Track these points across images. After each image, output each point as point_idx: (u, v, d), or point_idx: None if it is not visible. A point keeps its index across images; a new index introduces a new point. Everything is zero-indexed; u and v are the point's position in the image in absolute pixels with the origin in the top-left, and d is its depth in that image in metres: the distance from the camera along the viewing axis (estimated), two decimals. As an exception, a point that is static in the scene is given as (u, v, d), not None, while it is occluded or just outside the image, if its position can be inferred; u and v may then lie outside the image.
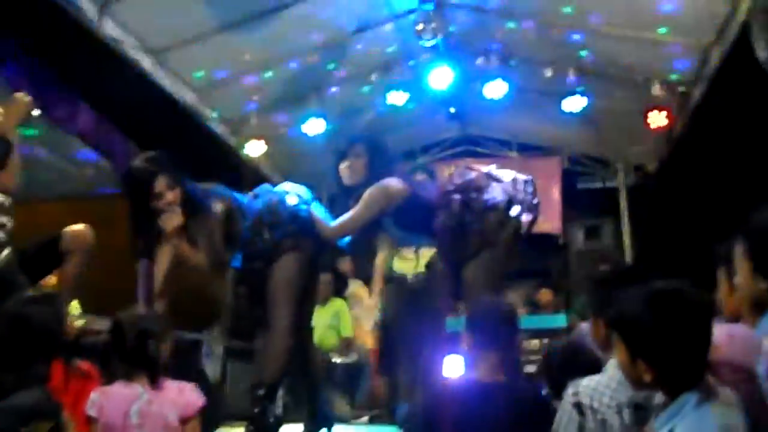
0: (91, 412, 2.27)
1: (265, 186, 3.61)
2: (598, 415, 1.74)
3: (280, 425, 3.32)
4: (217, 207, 3.27)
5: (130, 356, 2.36)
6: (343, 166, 3.40)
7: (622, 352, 1.61)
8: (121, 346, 2.38)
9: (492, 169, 3.47)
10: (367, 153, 3.38)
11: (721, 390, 1.56)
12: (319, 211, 3.43)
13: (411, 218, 3.36)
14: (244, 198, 3.47)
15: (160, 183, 3.11)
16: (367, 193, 3.28)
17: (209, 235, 3.19)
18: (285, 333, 3.27)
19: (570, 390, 1.85)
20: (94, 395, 2.32)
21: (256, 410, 3.21)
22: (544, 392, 2.61)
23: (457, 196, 3.28)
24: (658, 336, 1.52)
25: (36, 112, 3.15)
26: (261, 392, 3.23)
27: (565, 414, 1.85)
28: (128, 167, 3.28)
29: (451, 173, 3.51)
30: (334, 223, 3.34)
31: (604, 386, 1.82)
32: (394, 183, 3.33)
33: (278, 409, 3.28)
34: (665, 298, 1.56)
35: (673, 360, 1.52)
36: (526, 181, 3.37)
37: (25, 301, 2.45)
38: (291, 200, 3.40)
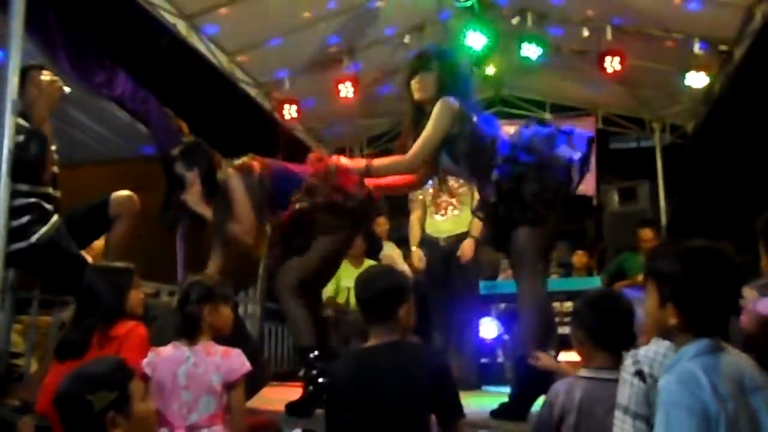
0: (147, 370, 2.38)
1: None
2: (657, 382, 1.76)
3: None
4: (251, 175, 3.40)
5: (191, 318, 2.46)
6: (414, 81, 3.20)
7: (654, 298, 1.72)
8: (185, 307, 2.47)
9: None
10: (437, 67, 3.16)
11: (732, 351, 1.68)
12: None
13: (469, 154, 3.09)
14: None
15: (179, 167, 3.39)
16: (435, 108, 3.07)
17: (239, 202, 3.34)
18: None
19: (629, 360, 1.86)
20: (150, 354, 2.43)
21: (313, 372, 3.19)
22: None
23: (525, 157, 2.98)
24: (690, 283, 1.65)
25: (67, 90, 3.16)
26: (312, 354, 3.24)
27: (626, 384, 1.86)
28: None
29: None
30: (410, 152, 3.13)
31: (662, 355, 1.84)
32: (452, 100, 3.09)
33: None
34: (702, 253, 1.70)
35: (700, 306, 1.65)
36: (588, 137, 3.10)
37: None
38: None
